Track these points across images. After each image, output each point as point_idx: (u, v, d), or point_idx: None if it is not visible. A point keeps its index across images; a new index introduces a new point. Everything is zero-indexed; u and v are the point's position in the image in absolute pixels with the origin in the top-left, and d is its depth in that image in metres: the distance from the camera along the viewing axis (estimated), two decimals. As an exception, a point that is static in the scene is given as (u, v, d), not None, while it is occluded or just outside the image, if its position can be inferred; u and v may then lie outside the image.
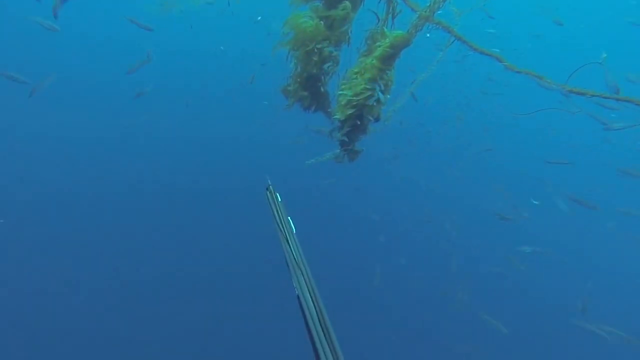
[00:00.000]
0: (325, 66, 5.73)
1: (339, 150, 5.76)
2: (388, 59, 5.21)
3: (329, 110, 6.15)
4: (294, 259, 1.84)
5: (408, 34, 5.14)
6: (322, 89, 5.96)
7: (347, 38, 5.64)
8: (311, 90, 5.85)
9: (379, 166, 16.30)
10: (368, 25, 5.80)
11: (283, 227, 2.04)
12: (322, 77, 5.91)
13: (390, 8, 5.54)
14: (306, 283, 1.71)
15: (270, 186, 2.33)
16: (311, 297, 1.65)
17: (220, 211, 13.48)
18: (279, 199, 2.26)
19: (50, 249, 10.91)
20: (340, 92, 5.39)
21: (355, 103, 5.16)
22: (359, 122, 5.37)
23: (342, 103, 5.26)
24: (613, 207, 12.65)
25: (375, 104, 5.29)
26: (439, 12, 5.08)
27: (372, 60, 5.14)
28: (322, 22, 5.54)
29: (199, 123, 18.74)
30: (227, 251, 11.76)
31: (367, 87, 5.12)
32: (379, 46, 5.17)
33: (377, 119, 5.53)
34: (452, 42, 5.27)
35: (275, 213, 2.15)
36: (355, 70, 5.34)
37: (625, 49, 23.00)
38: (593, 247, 15.36)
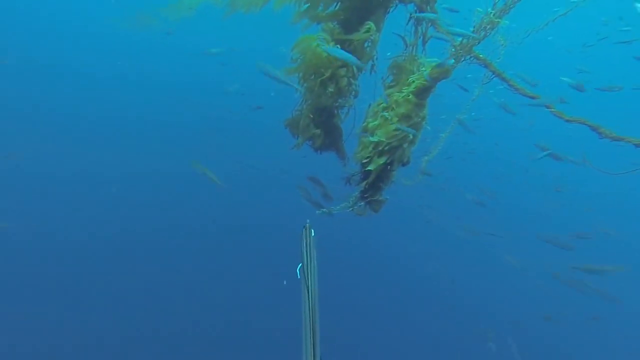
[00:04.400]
0: (342, 99, 4.79)
1: (358, 201, 4.77)
2: (423, 93, 4.32)
3: (343, 150, 5.18)
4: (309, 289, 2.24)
5: (447, 64, 4.28)
6: (336, 126, 4.99)
7: (371, 65, 4.72)
8: (325, 127, 4.87)
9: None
10: (390, 51, 4.96)
11: (308, 262, 2.44)
12: (337, 111, 4.96)
13: (420, 32, 4.70)
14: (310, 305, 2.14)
15: (308, 224, 2.67)
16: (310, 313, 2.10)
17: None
18: (313, 234, 2.63)
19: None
20: (367, 133, 4.43)
21: (386, 147, 4.20)
22: (387, 168, 4.42)
23: (370, 147, 4.29)
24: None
25: (407, 146, 4.38)
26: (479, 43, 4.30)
27: (407, 94, 4.23)
28: (338, 46, 4.60)
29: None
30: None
31: (401, 127, 4.20)
32: (416, 78, 4.27)
33: (406, 163, 4.60)
34: (491, 79, 4.51)
35: (305, 248, 2.53)
36: (384, 104, 4.40)
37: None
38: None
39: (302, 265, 2.46)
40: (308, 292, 2.26)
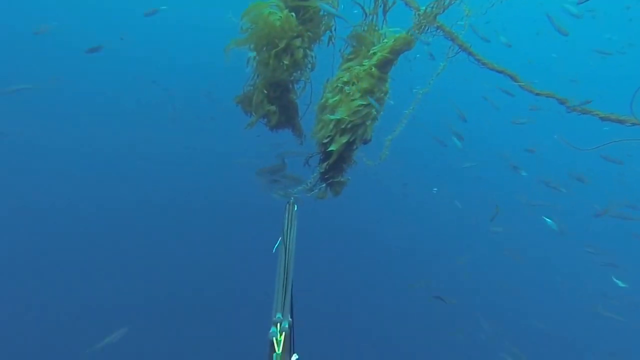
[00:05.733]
0: (298, 72, 4.42)
1: (318, 183, 4.47)
2: (386, 65, 4.05)
3: (299, 128, 4.84)
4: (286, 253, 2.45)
5: (410, 35, 4.01)
6: (292, 101, 4.62)
7: (329, 36, 4.36)
8: (280, 102, 4.49)
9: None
10: (346, 21, 4.60)
11: (288, 231, 2.72)
12: (292, 86, 4.58)
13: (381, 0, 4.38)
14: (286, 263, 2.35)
15: (292, 201, 3.10)
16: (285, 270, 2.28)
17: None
18: (295, 209, 3.04)
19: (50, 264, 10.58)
20: (326, 110, 4.11)
21: (349, 125, 3.91)
22: (349, 148, 4.14)
23: (330, 125, 3.98)
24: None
25: (370, 123, 4.11)
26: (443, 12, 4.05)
27: (370, 67, 3.93)
28: (292, 14, 4.20)
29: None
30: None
31: (364, 103, 3.91)
32: (378, 50, 3.97)
33: (368, 141, 4.34)
34: (457, 53, 4.28)
35: (287, 220, 2.85)
36: (344, 79, 4.08)
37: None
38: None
39: (283, 229, 2.74)
40: (285, 250, 2.43)
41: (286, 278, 2.21)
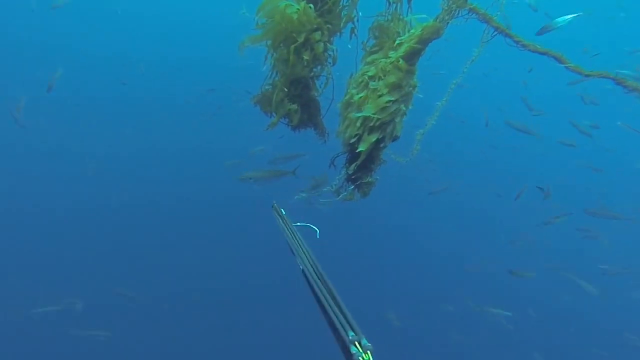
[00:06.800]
0: (319, 67, 4.17)
1: (345, 184, 4.23)
2: (414, 57, 3.76)
3: (322, 126, 4.60)
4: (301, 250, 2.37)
5: (439, 22, 3.71)
6: (313, 99, 4.38)
7: (352, 28, 4.09)
8: (301, 100, 4.25)
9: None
10: (367, 11, 4.32)
11: (290, 232, 2.64)
12: (313, 82, 4.33)
13: (405, -14, 4.08)
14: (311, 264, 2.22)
15: (275, 204, 3.08)
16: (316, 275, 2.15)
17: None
18: (284, 212, 2.99)
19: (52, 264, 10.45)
20: (351, 108, 3.85)
21: (377, 123, 3.65)
22: (378, 146, 3.89)
23: (357, 123, 3.72)
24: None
25: (399, 119, 3.85)
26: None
27: (397, 60, 3.64)
28: (310, 5, 3.93)
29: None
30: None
31: (392, 98, 3.64)
32: (404, 40, 3.68)
33: (396, 138, 4.08)
34: (494, 37, 3.95)
35: (282, 224, 2.81)
36: (370, 73, 3.81)
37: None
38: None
39: (288, 240, 2.57)
40: (310, 263, 2.26)
41: (332, 293, 2.04)
